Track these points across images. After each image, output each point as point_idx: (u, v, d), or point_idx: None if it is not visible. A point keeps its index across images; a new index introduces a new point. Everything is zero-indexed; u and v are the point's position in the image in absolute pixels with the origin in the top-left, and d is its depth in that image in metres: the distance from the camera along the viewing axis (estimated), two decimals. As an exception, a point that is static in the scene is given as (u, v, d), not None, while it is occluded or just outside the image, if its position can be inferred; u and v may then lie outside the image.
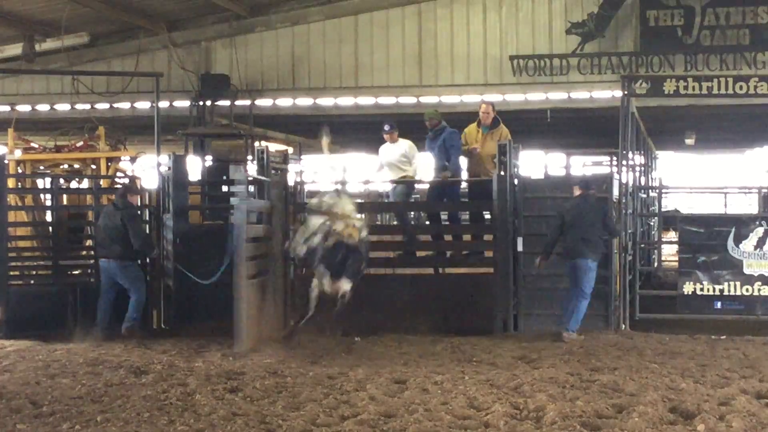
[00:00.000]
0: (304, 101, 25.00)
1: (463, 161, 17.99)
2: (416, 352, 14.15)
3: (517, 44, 23.19)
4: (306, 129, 27.32)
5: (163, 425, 9.64)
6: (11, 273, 17.05)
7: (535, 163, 26.18)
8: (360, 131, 26.62)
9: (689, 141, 30.43)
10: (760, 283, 16.24)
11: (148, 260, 17.04)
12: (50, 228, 18.11)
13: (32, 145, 20.31)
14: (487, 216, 17.60)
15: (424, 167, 18.34)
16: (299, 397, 10.86)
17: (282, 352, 14.00)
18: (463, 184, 18.51)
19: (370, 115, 24.21)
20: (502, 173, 16.35)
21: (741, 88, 18.43)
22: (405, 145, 17.97)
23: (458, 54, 23.61)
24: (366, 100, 24.52)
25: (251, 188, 15.98)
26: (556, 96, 23.32)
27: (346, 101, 24.72)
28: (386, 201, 18.82)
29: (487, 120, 17.50)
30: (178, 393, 11.06)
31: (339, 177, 19.57)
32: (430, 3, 23.95)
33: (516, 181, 16.61)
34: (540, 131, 27.82)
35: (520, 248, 16.44)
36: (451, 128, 17.81)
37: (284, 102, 25.11)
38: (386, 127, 18.06)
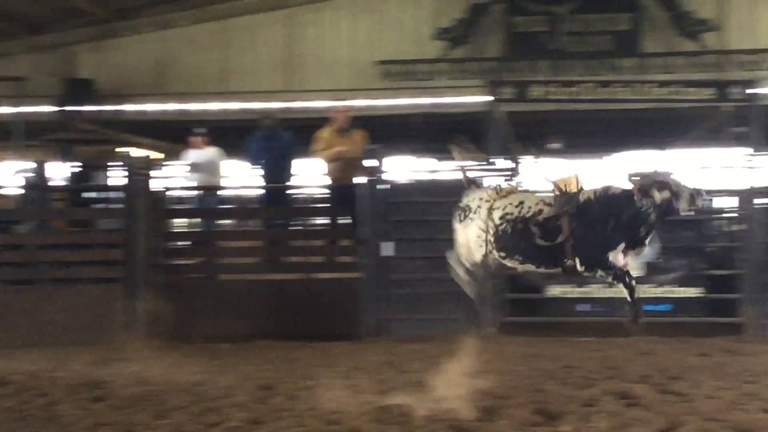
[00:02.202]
0: (172, 106, 24.75)
1: (317, 164, 18.05)
2: (284, 357, 14.09)
3: (385, 50, 23.27)
4: (174, 134, 27.03)
5: (25, 437, 9.44)
6: None
7: (404, 168, 26.23)
8: (227, 136, 26.43)
9: (555, 145, 30.84)
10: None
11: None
12: None
13: None
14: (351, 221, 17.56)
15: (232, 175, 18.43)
16: (165, 405, 10.71)
17: (149, 360, 13.81)
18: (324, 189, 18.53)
19: (239, 120, 24.05)
20: (368, 177, 16.38)
21: (605, 93, 18.74)
22: (212, 152, 18.01)
23: (327, 59, 23.63)
24: (235, 105, 24.37)
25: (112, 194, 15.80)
26: (424, 101, 23.46)
27: (214, 106, 24.53)
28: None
29: (343, 123, 17.54)
30: (41, 403, 10.82)
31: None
32: (298, 8, 23.92)
33: (382, 186, 16.63)
34: (409, 136, 27.93)
35: (389, 253, 16.45)
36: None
37: (152, 107, 24.83)
38: (197, 132, 18.07)
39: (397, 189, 16.99)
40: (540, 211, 10.49)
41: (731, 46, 21.41)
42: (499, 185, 11.21)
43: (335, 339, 15.58)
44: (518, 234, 10.53)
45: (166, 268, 16.74)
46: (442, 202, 16.47)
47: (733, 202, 21.52)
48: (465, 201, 11.10)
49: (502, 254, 10.75)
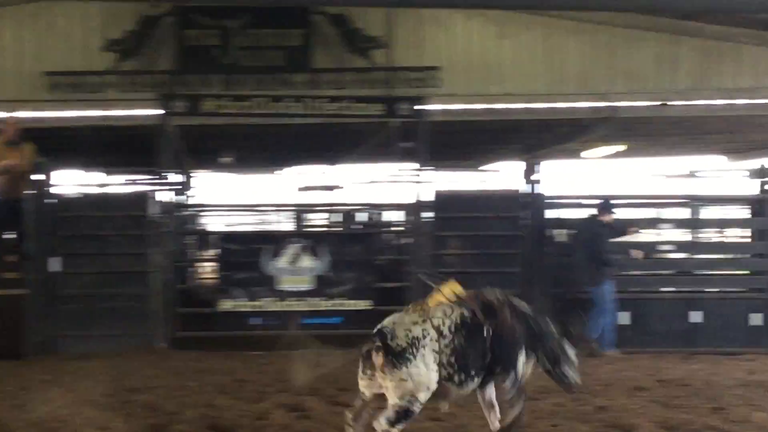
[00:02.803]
0: None
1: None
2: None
3: (53, 60, 22.59)
4: None
5: None
6: None
7: (73, 182, 25.72)
8: None
9: (227, 160, 30.85)
10: (294, 298, 16.66)
11: None
12: None
13: None
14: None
15: None
16: None
17: None
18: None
19: None
20: (36, 191, 15.94)
21: (276, 108, 18.91)
22: None
23: (-9, 68, 22.75)
24: None
25: None
26: (94, 113, 22.91)
27: None
28: None
29: (12, 136, 16.96)
30: None
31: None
32: (-41, 16, 22.93)
33: (50, 200, 16.23)
34: (79, 149, 27.31)
35: (55, 268, 16.07)
36: None
37: None
38: None
39: (66, 203, 16.61)
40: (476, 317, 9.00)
41: (399, 64, 21.96)
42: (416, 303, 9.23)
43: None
44: (472, 343, 8.90)
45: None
46: (112, 217, 16.30)
47: (401, 215, 22.17)
48: (403, 334, 8.72)
49: (457, 370, 8.83)
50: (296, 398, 11.72)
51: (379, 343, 8.54)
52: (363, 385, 8.74)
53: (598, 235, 16.15)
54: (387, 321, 8.80)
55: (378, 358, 8.55)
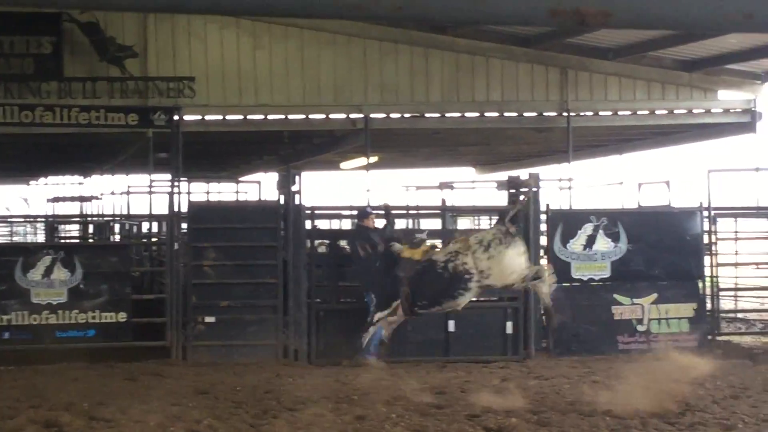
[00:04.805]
0: None
1: None
2: None
3: None
4: None
5: None
6: None
7: None
8: None
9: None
10: (47, 311, 16.22)
11: None
12: None
13: None
14: None
15: None
16: None
17: None
18: None
19: None
20: None
21: (27, 117, 18.44)
22: None
23: None
24: None
25: None
26: None
27: None
28: None
29: None
30: None
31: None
32: None
33: None
34: None
35: None
36: None
37: None
38: None
39: None
40: None
41: (154, 73, 21.64)
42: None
43: None
44: None
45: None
46: None
47: (157, 226, 21.92)
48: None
49: None
50: (50, 413, 11.40)
51: None
52: None
53: (371, 240, 16.15)
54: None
55: None
